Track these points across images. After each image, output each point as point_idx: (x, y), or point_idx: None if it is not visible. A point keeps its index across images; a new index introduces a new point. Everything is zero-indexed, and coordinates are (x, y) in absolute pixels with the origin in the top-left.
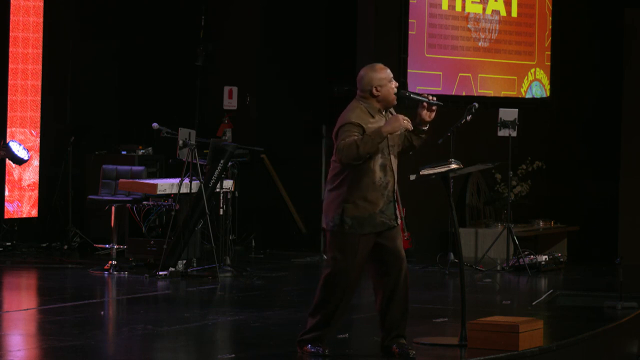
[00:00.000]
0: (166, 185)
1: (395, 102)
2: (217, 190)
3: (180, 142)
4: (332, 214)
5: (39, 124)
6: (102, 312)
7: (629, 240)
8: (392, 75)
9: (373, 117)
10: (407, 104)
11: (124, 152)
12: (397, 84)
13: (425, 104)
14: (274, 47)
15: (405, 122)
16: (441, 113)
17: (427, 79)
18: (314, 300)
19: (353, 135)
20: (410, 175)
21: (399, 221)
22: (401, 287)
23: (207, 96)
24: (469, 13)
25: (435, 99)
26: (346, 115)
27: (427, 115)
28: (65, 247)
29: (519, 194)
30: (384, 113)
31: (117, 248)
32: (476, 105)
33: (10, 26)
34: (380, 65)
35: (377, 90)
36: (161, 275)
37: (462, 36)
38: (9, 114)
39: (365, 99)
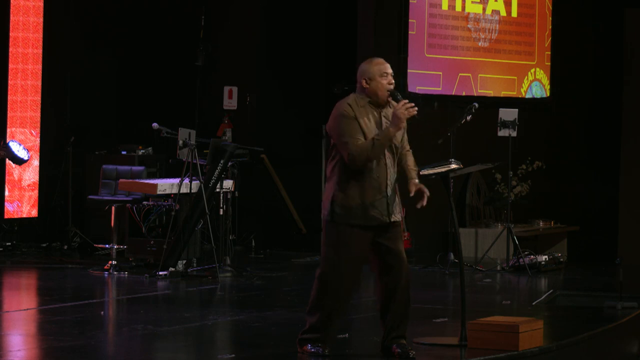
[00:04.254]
0: (166, 185)
1: (385, 99)
2: (217, 190)
3: (180, 142)
4: (326, 203)
5: (39, 124)
6: (102, 312)
7: (629, 240)
8: (387, 71)
9: (364, 108)
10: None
11: (124, 152)
12: (390, 82)
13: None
14: (274, 47)
15: (405, 111)
16: (441, 113)
17: (427, 79)
18: (310, 299)
19: (355, 135)
20: None
21: (394, 218)
22: (402, 289)
23: (207, 96)
24: (469, 13)
25: (414, 107)
26: (340, 104)
27: (398, 114)
28: (65, 247)
29: (519, 194)
30: (376, 108)
31: (117, 248)
32: (476, 105)
33: (10, 26)
34: (378, 60)
35: (366, 83)
36: (161, 275)
37: (462, 36)
38: (9, 114)
39: (359, 91)
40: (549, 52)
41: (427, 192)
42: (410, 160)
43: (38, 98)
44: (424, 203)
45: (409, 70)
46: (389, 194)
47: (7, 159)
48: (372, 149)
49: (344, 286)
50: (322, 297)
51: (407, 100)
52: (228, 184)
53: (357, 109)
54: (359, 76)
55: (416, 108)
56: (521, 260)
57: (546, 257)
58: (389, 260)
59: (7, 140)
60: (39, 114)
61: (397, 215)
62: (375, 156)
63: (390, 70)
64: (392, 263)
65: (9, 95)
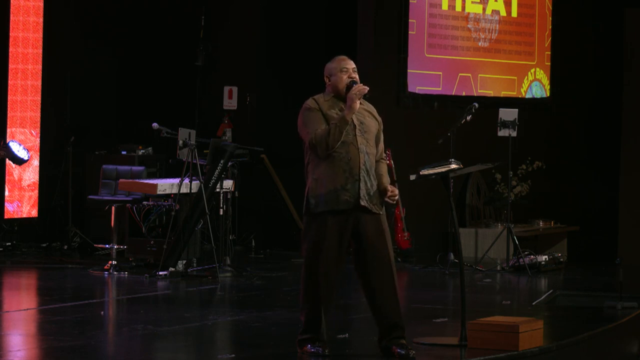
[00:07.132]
0: (166, 185)
1: (344, 93)
2: (217, 190)
3: (180, 142)
4: (304, 198)
5: (39, 124)
6: (102, 312)
7: (629, 240)
8: (349, 67)
9: (329, 102)
10: (406, 103)
11: (124, 152)
12: (350, 76)
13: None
14: (274, 47)
15: (358, 92)
16: (441, 113)
17: (427, 79)
18: (299, 298)
19: (317, 125)
20: (410, 175)
21: (364, 203)
22: (385, 290)
23: (207, 96)
24: (469, 13)
25: (366, 88)
26: (306, 101)
27: (350, 95)
28: (65, 247)
29: (519, 194)
30: (342, 102)
31: (117, 248)
32: (476, 105)
33: (10, 26)
34: (340, 57)
35: (328, 79)
36: (161, 275)
37: (462, 36)
38: (9, 114)
39: (326, 88)
40: (549, 52)
41: (396, 195)
42: (382, 169)
43: (38, 98)
44: (393, 201)
45: (409, 71)
46: (362, 178)
47: (7, 159)
48: (329, 133)
49: (323, 280)
50: (304, 294)
51: (361, 84)
52: (228, 184)
53: (322, 102)
54: (324, 74)
55: (367, 87)
56: (521, 260)
57: (546, 257)
58: (368, 260)
59: (7, 140)
60: (39, 114)
61: (374, 206)
62: (334, 140)
63: (351, 66)
64: (371, 264)
65: (9, 95)
